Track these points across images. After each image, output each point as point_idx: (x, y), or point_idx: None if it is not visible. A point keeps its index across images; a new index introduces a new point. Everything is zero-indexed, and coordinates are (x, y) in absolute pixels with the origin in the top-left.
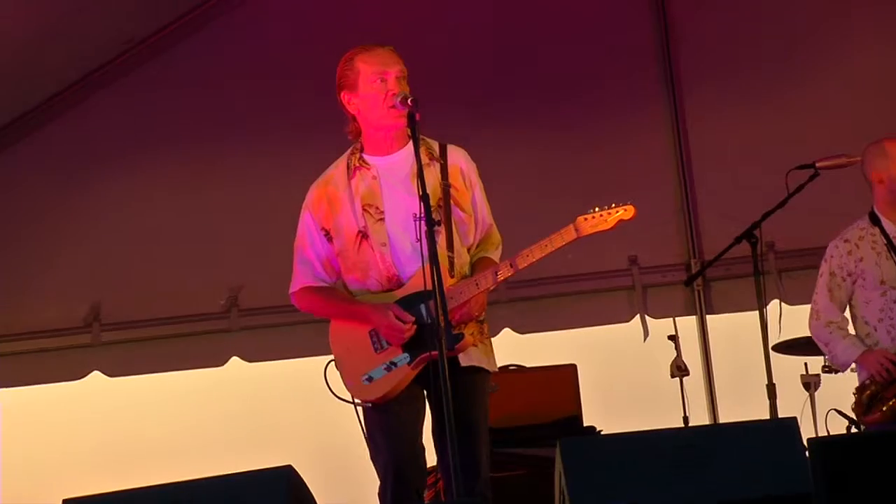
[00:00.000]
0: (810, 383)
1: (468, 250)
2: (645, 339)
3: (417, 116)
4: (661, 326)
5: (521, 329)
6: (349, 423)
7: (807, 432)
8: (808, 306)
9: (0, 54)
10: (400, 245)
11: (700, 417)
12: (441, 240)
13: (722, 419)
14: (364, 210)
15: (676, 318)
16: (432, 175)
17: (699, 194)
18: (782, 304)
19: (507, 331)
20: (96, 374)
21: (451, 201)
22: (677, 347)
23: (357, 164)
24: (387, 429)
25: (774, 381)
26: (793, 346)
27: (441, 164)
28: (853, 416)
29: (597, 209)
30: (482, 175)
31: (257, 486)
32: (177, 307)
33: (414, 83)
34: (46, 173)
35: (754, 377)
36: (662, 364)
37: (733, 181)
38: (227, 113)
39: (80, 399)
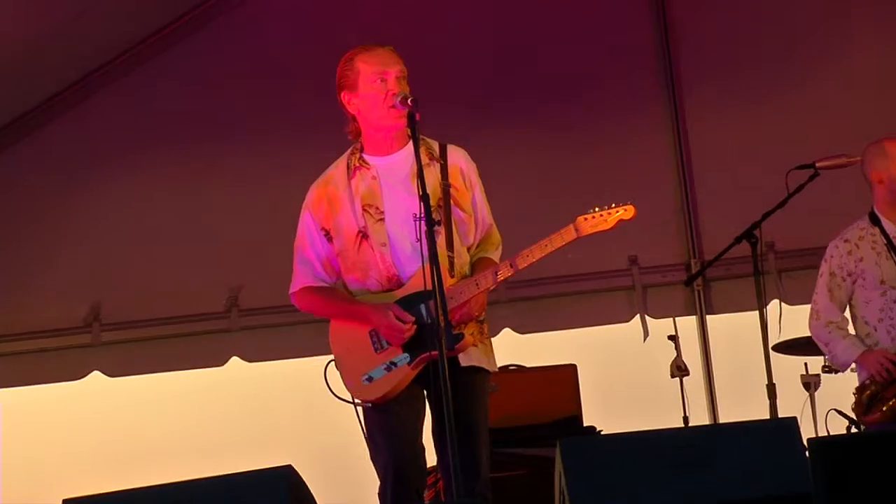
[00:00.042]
0: (810, 383)
1: (468, 250)
2: (645, 339)
3: (417, 116)
4: (661, 326)
5: (521, 329)
6: (349, 423)
7: (807, 432)
8: (808, 306)
9: (0, 54)
10: (400, 245)
11: (700, 417)
12: (441, 240)
13: (722, 419)
14: (364, 210)
15: (676, 318)
16: (432, 175)
17: (699, 194)
18: (782, 304)
19: (507, 331)
20: (96, 374)
21: (451, 201)
22: (677, 347)
23: (357, 164)
24: (387, 429)
25: (774, 381)
26: (793, 347)
27: (441, 164)
28: (853, 416)
29: (597, 209)
30: (482, 175)
31: (257, 486)
32: (177, 307)
33: (414, 83)
34: (46, 173)
35: (754, 377)
36: (662, 364)
37: (733, 181)
38: (227, 113)
39: (80, 399)
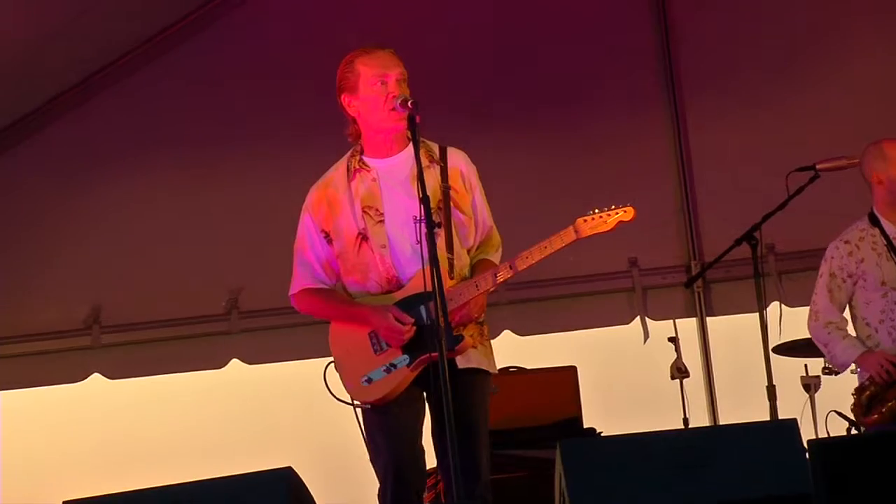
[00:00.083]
0: (810, 385)
1: (468, 252)
2: (645, 341)
3: (418, 119)
4: (661, 328)
5: (521, 331)
6: (349, 425)
7: (807, 434)
8: (808, 308)
9: (0, 55)
10: (400, 247)
11: (700, 419)
12: (441, 242)
13: (722, 421)
14: (364, 212)
15: (676, 320)
16: (432, 177)
17: (699, 196)
18: (782, 305)
19: (507, 332)
20: (96, 376)
21: (451, 203)
22: (677, 349)
23: (357, 167)
24: (386, 430)
25: (774, 383)
26: (793, 348)
27: (441, 166)
28: (853, 417)
29: (596, 211)
30: (482, 176)
31: (257, 488)
32: (177, 309)
33: (414, 84)
34: (47, 175)
35: (754, 379)
36: (663, 366)
37: (733, 183)
38: (228, 114)
39: (81, 401)
